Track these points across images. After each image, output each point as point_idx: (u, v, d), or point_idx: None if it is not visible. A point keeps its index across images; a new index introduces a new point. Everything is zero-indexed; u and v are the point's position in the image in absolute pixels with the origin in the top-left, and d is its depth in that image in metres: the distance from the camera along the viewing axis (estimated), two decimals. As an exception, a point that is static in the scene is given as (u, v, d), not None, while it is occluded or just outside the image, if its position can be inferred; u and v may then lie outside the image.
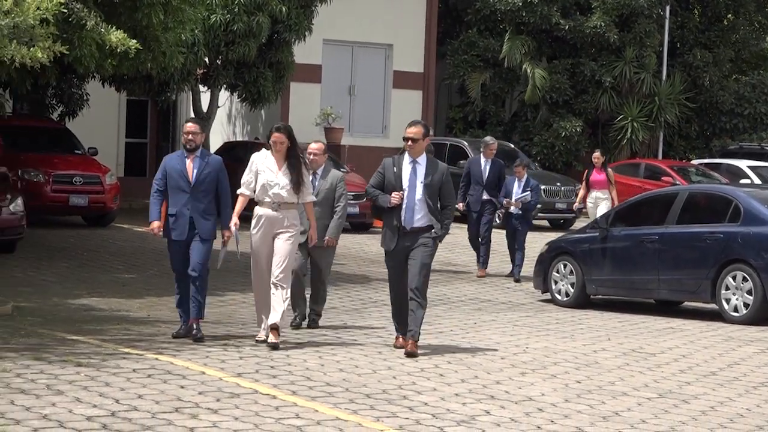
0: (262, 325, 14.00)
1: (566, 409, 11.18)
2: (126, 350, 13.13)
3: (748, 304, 17.66)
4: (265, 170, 13.78)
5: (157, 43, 18.01)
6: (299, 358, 13.00)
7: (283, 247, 13.75)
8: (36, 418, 9.68)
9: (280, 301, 13.61)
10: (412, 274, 13.42)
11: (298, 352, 13.45)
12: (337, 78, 37.97)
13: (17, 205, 22.06)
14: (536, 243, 23.65)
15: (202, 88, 32.68)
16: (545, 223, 32.53)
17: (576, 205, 27.96)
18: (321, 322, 15.80)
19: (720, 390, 12.50)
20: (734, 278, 17.78)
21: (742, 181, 33.35)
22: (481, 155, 23.72)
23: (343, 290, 20.04)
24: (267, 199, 13.74)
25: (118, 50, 15.73)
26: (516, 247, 22.96)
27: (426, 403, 10.93)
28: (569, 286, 19.50)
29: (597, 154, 26.62)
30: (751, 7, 47.31)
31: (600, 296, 19.49)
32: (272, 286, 13.70)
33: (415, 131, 13.61)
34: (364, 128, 38.12)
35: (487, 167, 23.22)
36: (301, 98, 36.78)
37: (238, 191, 13.90)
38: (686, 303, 19.17)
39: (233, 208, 14.22)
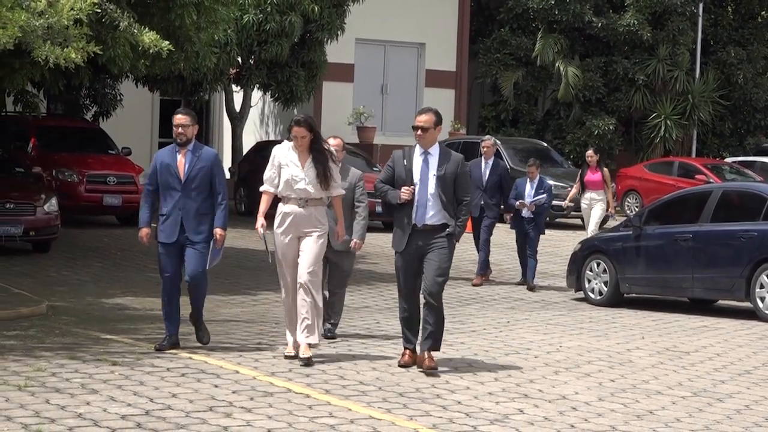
0: (291, 339, 12.92)
1: (600, 408, 11.17)
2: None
3: (784, 302, 17.63)
4: (288, 164, 12.62)
5: (189, 43, 18.06)
6: (332, 357, 13.01)
7: (311, 247, 12.56)
8: (71, 417, 9.73)
9: (310, 308, 12.48)
10: (428, 278, 12.16)
11: (330, 351, 13.46)
12: (369, 77, 38.01)
13: (51, 205, 22.18)
14: (569, 242, 23.60)
15: (234, 87, 32.79)
16: (578, 221, 32.39)
17: (565, 203, 26.10)
18: (354, 323, 15.71)
19: (755, 389, 12.47)
20: (769, 276, 17.73)
21: (777, 179, 33.21)
22: (482, 157, 22.11)
23: (376, 289, 20.06)
24: (293, 196, 12.56)
25: (151, 51, 15.77)
26: (528, 254, 21.46)
27: (459, 402, 10.94)
28: (602, 284, 19.46)
29: (590, 152, 24.87)
30: (786, 5, 47.10)
31: (633, 295, 19.42)
32: (300, 290, 12.51)
33: (425, 119, 12.35)
34: (397, 127, 38.05)
35: (487, 170, 21.60)
36: (333, 97, 36.83)
37: (261, 188, 12.82)
38: (720, 301, 19.09)
39: (228, 208, 13.21)
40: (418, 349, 12.57)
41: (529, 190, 21.24)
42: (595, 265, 19.61)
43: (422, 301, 12.35)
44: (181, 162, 12.74)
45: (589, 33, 42.06)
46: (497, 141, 33.97)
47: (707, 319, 18.04)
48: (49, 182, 26.02)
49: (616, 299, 19.29)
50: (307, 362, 12.43)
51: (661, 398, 11.76)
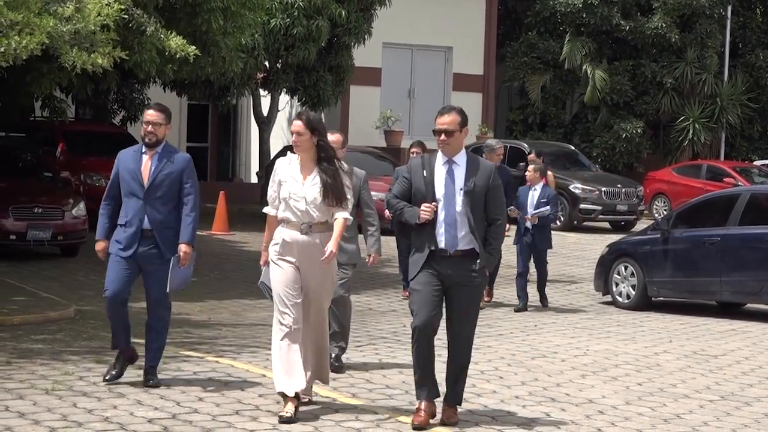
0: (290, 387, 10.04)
1: (627, 412, 11.16)
2: (187, 353, 13.18)
3: (812, 306, 17.60)
4: (287, 179, 10.10)
5: (216, 48, 18.11)
6: (359, 362, 13.02)
7: (318, 285, 10.20)
8: (98, 421, 9.77)
9: (320, 352, 10.52)
10: (456, 320, 9.87)
11: (358, 355, 13.47)
12: (396, 81, 38.04)
13: (80, 209, 22.24)
14: (597, 245, 23.54)
15: (262, 92, 32.86)
16: (606, 225, 32.37)
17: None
18: (380, 327, 15.60)
19: (783, 393, 12.44)
20: (797, 280, 17.69)
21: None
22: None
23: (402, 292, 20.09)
24: (293, 218, 10.03)
25: (178, 55, 15.82)
26: (538, 271, 18.95)
27: (485, 406, 10.96)
28: (630, 288, 19.42)
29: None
30: (815, 6, 47.03)
31: (661, 298, 19.38)
32: (306, 328, 10.20)
33: (449, 120, 9.81)
34: (424, 131, 37.81)
35: None
36: (361, 101, 36.86)
37: (264, 209, 10.47)
38: (749, 305, 19.03)
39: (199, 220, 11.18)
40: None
41: (530, 199, 18.43)
42: (623, 268, 19.58)
43: (450, 342, 10.06)
44: (147, 165, 10.90)
45: (616, 36, 42.06)
46: (526, 144, 34.21)
47: (735, 322, 17.99)
48: (77, 186, 26.09)
49: (643, 303, 19.24)
50: (288, 420, 9.87)
51: (688, 402, 11.74)
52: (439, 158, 9.94)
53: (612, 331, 16.76)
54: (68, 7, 13.02)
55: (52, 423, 9.31)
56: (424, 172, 9.85)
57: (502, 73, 41.99)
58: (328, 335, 10.81)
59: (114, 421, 9.82)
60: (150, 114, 11.12)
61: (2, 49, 12.69)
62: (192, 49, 15.75)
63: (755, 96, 43.36)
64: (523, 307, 18.32)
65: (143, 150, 11.01)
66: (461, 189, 9.78)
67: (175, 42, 15.64)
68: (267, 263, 10.39)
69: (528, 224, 18.31)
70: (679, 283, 19.16)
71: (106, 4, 13.20)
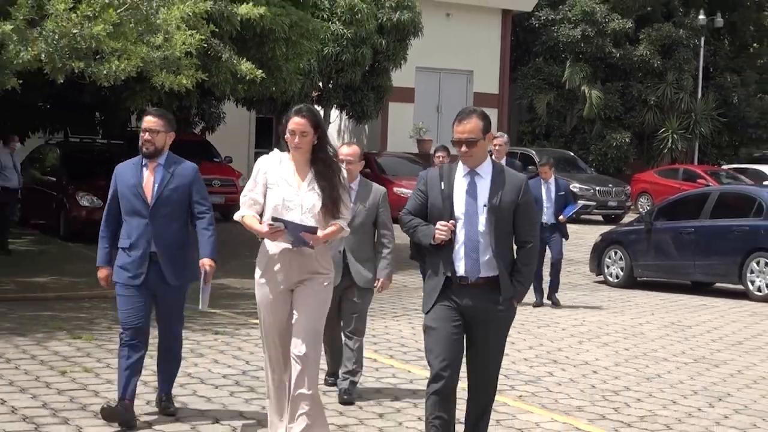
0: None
1: (616, 371, 11.14)
2: (255, 321, 13.18)
3: (770, 285, 17.52)
4: (279, 183, 7.08)
5: (279, 71, 18.13)
6: (395, 329, 13.02)
7: (310, 302, 7.11)
8: (182, 376, 9.79)
9: (310, 400, 7.05)
10: (478, 361, 6.85)
11: (394, 324, 13.47)
12: (427, 98, 37.94)
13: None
14: (592, 235, 23.46)
15: (316, 107, 32.87)
16: (599, 217, 32.28)
17: None
18: (413, 301, 15.28)
19: (745, 356, 12.39)
20: (758, 263, 17.60)
21: (765, 182, 32.89)
22: (493, 157, 14.61)
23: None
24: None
25: (248, 77, 15.85)
26: (552, 270, 16.24)
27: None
28: (619, 269, 19.38)
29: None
30: (773, 37, 46.88)
31: (645, 278, 19.32)
32: (293, 363, 7.07)
33: (470, 128, 6.68)
34: (450, 140, 38.09)
35: None
36: (397, 115, 36.85)
37: (236, 215, 7.22)
38: (717, 284, 18.95)
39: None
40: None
41: (545, 194, 15.90)
42: (613, 253, 19.55)
43: (471, 392, 7.06)
44: (149, 179, 7.95)
45: (609, 62, 41.89)
46: (534, 150, 34.12)
47: (706, 299, 17.93)
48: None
49: (630, 282, 19.20)
50: None
51: (667, 364, 11.71)
52: (460, 169, 6.78)
53: (604, 305, 16.71)
54: (159, 37, 13.06)
55: (145, 378, 9.30)
56: (442, 184, 6.73)
57: (514, 92, 41.94)
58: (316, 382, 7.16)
59: (195, 376, 9.88)
60: (147, 120, 8.08)
61: (105, 72, 12.74)
62: (259, 73, 15.78)
63: (723, 111, 43.18)
64: (540, 302, 15.94)
65: (143, 162, 8.04)
66: (485, 205, 6.66)
67: (246, 66, 15.67)
68: (205, 278, 7.91)
69: (545, 219, 15.72)
70: (659, 266, 19.12)
71: (190, 35, 13.24)
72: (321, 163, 7.08)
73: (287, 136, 7.05)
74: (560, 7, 41.91)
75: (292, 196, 7.02)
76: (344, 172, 7.35)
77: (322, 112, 32.55)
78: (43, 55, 12.35)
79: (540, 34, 42.10)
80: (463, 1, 37.97)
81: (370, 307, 9.43)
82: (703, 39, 42.91)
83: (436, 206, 6.72)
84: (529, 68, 42.20)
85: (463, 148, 6.70)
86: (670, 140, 41.79)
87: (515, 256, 6.77)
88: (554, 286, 16.24)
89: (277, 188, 7.05)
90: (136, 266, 7.86)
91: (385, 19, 29.06)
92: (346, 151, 8.76)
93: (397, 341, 12.14)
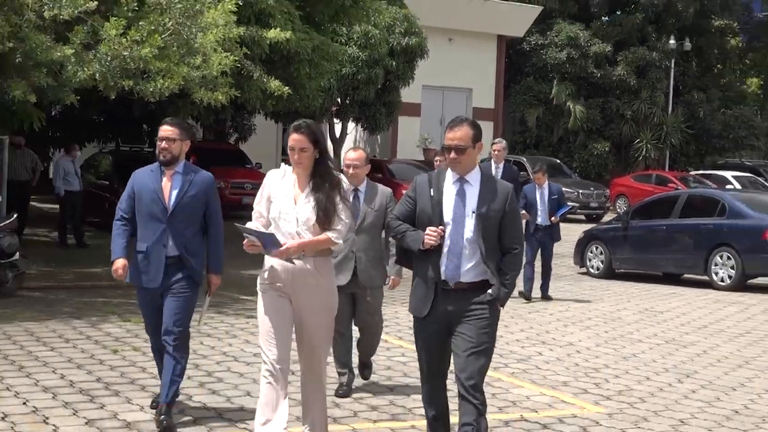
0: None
1: (597, 351, 11.12)
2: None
3: (731, 276, 17.46)
4: (278, 196, 6.32)
5: (303, 89, 18.13)
6: (404, 314, 12.99)
7: (313, 317, 6.31)
8: (218, 354, 9.83)
9: (313, 404, 6.47)
10: (463, 362, 5.97)
11: (403, 309, 13.44)
12: (431, 113, 37.93)
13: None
14: (576, 231, 23.41)
15: (335, 120, 32.88)
16: (582, 217, 32.24)
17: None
18: None
19: (710, 338, 12.36)
20: (721, 257, 17.57)
21: (728, 186, 32.87)
22: (492, 161, 15.38)
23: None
24: (282, 240, 6.16)
25: (276, 94, 15.86)
26: (543, 268, 15.41)
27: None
28: (599, 262, 19.34)
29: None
30: (734, 60, 46.84)
31: (622, 270, 19.28)
32: (302, 379, 6.52)
33: (459, 135, 6.04)
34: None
35: (498, 175, 14.26)
36: (405, 127, 36.88)
37: (247, 226, 6.31)
38: (685, 275, 18.91)
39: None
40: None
41: (539, 197, 15.18)
42: (594, 248, 19.50)
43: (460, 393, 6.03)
44: (167, 186, 7.24)
45: (591, 81, 41.94)
46: (525, 158, 34.08)
47: (675, 288, 17.89)
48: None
49: (609, 273, 19.15)
50: None
51: (641, 345, 11.69)
52: (449, 176, 6.09)
53: (586, 293, 16.68)
54: (198, 59, 13.07)
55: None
56: (432, 191, 6.06)
57: (508, 107, 41.97)
58: (324, 388, 6.55)
59: (229, 354, 9.89)
60: (164, 129, 7.34)
61: (151, 89, 12.76)
62: (286, 90, 15.79)
63: (691, 124, 43.23)
64: (527, 292, 15.01)
65: (161, 169, 7.31)
66: (473, 212, 5.99)
67: (274, 84, 15.67)
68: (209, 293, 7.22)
69: (539, 220, 15.07)
70: (635, 259, 19.08)
71: (225, 57, 13.24)
72: (319, 177, 6.24)
73: (288, 152, 6.30)
74: (548, 33, 41.99)
75: (288, 209, 6.22)
76: (345, 185, 6.36)
77: (340, 125, 32.63)
78: (97, 75, 12.37)
79: (530, 57, 42.14)
80: (463, 28, 38.01)
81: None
82: (673, 61, 42.93)
83: (426, 212, 6.03)
84: (521, 86, 42.26)
85: (452, 155, 6.02)
86: (644, 149, 41.82)
87: (501, 262, 6.05)
88: (546, 284, 15.45)
89: (277, 201, 6.28)
90: (153, 270, 7.17)
91: (395, 44, 29.05)
92: (353, 155, 8.13)
93: (406, 324, 12.10)
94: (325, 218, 6.15)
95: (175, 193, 7.19)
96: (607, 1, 44.16)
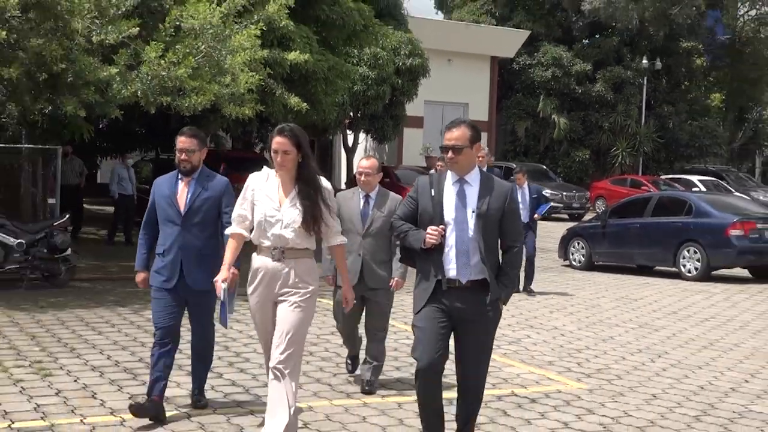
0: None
1: (579, 334, 11.12)
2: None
3: (697, 268, 17.45)
4: (263, 199, 5.79)
5: (320, 104, 18.14)
6: (410, 302, 12.96)
7: (287, 316, 5.66)
8: (245, 338, 9.82)
9: (281, 400, 5.57)
10: (468, 364, 5.66)
11: (409, 298, 13.41)
12: (432, 125, 37.85)
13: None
14: (560, 229, 23.40)
15: (348, 131, 32.89)
16: (565, 216, 32.22)
17: None
18: None
19: (679, 323, 12.34)
20: (688, 251, 17.56)
21: (694, 189, 32.80)
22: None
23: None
24: (266, 243, 5.73)
25: (295, 109, 15.88)
26: (527, 262, 14.54)
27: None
28: (581, 256, 19.31)
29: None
30: (700, 77, 46.82)
31: (601, 263, 19.26)
32: (270, 374, 5.65)
33: (457, 135, 5.58)
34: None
35: None
36: (410, 138, 36.87)
37: (227, 230, 6.02)
38: (657, 267, 18.88)
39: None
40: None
41: (520, 197, 14.42)
42: (576, 243, 19.48)
43: (460, 391, 5.79)
44: (183, 191, 6.81)
45: (573, 96, 41.93)
46: (515, 164, 34.01)
47: (648, 278, 17.86)
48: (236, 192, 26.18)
49: (589, 266, 19.13)
50: None
51: (618, 328, 11.67)
52: (449, 177, 5.61)
53: (569, 283, 16.66)
54: (227, 78, 13.10)
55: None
56: (432, 191, 5.57)
57: (500, 120, 41.94)
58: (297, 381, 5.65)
59: (255, 337, 9.87)
60: (182, 140, 6.77)
61: (186, 105, 12.78)
62: (304, 105, 15.80)
63: (661, 134, 43.18)
64: (517, 289, 13.97)
65: (179, 176, 6.87)
66: (473, 211, 5.50)
67: (294, 100, 15.68)
68: (227, 282, 5.80)
69: (523, 219, 13.18)
70: (612, 253, 19.05)
71: (251, 76, 13.26)
72: (303, 181, 5.64)
73: (272, 154, 5.68)
74: (535, 54, 41.96)
75: (274, 212, 5.64)
76: (327, 190, 5.71)
77: (352, 136, 32.62)
78: (139, 92, 12.41)
79: (520, 75, 42.11)
80: (461, 50, 38.01)
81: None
82: (645, 78, 42.86)
83: (427, 211, 5.54)
84: (512, 101, 42.24)
85: (450, 154, 5.51)
86: (620, 156, 41.81)
87: (501, 260, 5.61)
88: (529, 277, 14.74)
89: (261, 204, 5.69)
90: (169, 271, 6.68)
91: (400, 64, 28.98)
92: (365, 164, 7.57)
93: (411, 311, 12.12)
94: (313, 223, 5.61)
95: (188, 197, 6.76)
96: (587, 25, 44.15)
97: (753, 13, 47.84)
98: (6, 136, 15.64)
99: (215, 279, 5.85)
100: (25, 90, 12.77)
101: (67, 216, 14.52)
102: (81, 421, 6.61)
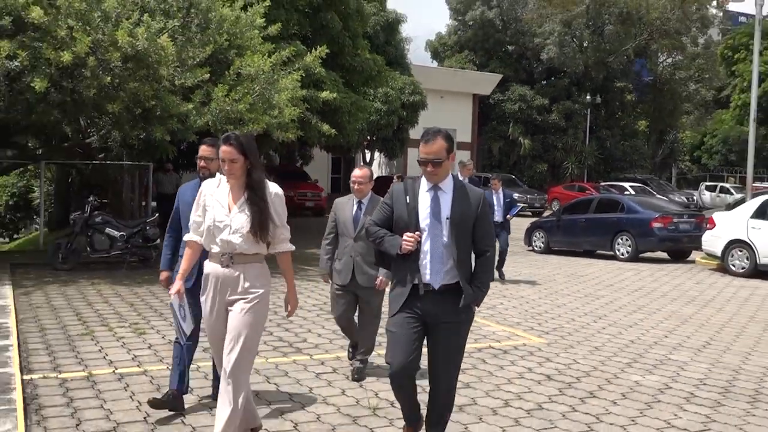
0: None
1: (539, 302, 11.03)
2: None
3: (629, 252, 17.34)
4: (213, 205, 4.39)
5: (345, 130, 18.13)
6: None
7: (239, 322, 4.26)
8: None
9: (226, 404, 4.16)
10: (438, 368, 4.35)
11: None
12: (429, 145, 37.83)
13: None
14: (525, 223, 23.32)
15: (366, 150, 32.86)
16: (529, 213, 32.11)
17: None
18: None
19: (614, 293, 12.25)
20: (622, 239, 17.46)
21: (625, 192, 32.63)
22: (458, 174, 12.19)
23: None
24: (215, 249, 4.37)
25: (326, 134, 15.87)
26: (500, 253, 13.26)
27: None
28: (541, 243, 19.21)
29: (360, 173, 6.69)
30: (630, 109, 46.75)
31: (557, 248, 19.18)
32: (221, 379, 4.23)
33: (435, 149, 4.30)
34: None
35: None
36: (413, 155, 36.74)
37: (185, 237, 4.58)
38: (598, 251, 18.79)
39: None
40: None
41: (495, 201, 13.41)
42: (538, 234, 19.39)
43: (433, 395, 4.48)
44: None
45: (535, 123, 41.92)
46: (491, 174, 33.89)
47: (592, 260, 17.74)
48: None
49: (548, 250, 19.03)
50: None
51: (569, 297, 11.60)
52: (424, 184, 4.42)
53: (533, 264, 16.57)
54: (275, 111, 13.11)
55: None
56: (407, 198, 4.38)
57: (480, 141, 41.86)
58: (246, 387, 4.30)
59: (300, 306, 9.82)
60: (203, 149, 5.41)
61: (245, 131, 12.79)
62: (333, 131, 15.79)
63: (601, 152, 43.15)
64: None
65: (200, 184, 5.06)
66: (447, 218, 4.31)
67: (325, 127, 15.67)
68: (180, 294, 4.57)
69: (497, 219, 13.08)
70: (565, 241, 18.95)
71: (293, 110, 13.28)
72: (251, 189, 4.35)
73: (220, 163, 4.39)
74: (506, 92, 41.97)
75: (223, 217, 4.36)
76: (278, 197, 4.49)
77: (369, 154, 32.52)
78: (210, 122, 12.42)
79: (494, 108, 42.12)
80: (450, 89, 38.02)
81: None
82: (589, 110, 42.84)
83: (402, 218, 4.34)
84: (488, 127, 42.22)
85: (429, 168, 4.33)
86: (570, 168, 41.79)
87: (474, 264, 4.39)
88: (500, 264, 13.31)
89: (212, 210, 4.40)
90: (192, 274, 5.17)
91: (405, 100, 28.89)
92: (358, 173, 6.40)
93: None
94: (260, 230, 4.33)
95: None
96: (545, 70, 44.21)
97: (670, 60, 47.78)
98: (112, 155, 15.73)
99: (169, 291, 4.62)
100: (125, 121, 12.81)
101: (157, 215, 14.58)
102: (167, 367, 6.61)
